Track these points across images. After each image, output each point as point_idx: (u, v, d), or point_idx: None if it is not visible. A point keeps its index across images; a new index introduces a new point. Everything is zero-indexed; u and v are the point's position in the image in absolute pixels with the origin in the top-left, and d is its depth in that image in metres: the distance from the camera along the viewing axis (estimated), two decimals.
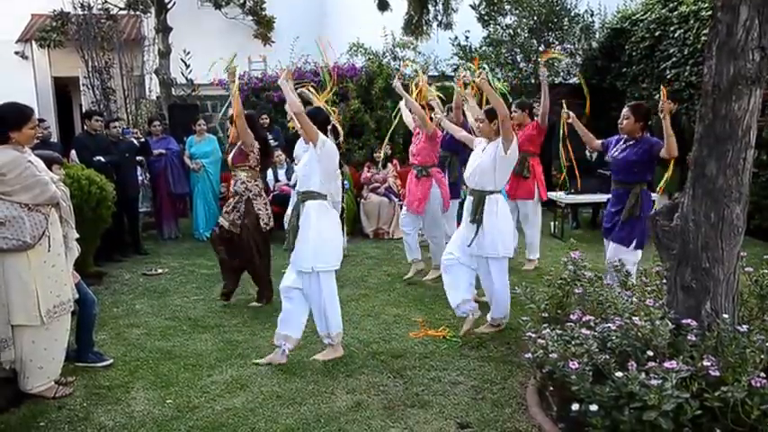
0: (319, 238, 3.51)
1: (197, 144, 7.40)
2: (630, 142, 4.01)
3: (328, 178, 3.60)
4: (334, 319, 3.64)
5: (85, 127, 6.40)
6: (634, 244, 3.99)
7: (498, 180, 3.93)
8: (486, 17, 9.63)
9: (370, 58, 9.30)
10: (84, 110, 8.76)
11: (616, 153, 4.07)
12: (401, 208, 7.23)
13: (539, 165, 5.67)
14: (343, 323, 4.29)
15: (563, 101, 4.65)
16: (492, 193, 3.92)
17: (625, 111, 4.04)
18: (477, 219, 3.89)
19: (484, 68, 4.46)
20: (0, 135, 3.02)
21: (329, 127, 3.71)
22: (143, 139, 6.92)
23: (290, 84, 3.85)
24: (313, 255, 3.49)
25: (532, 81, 9.55)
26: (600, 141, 4.35)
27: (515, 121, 5.34)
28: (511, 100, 5.41)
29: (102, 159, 6.00)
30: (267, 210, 4.57)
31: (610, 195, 4.24)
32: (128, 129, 7.18)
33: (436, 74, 9.47)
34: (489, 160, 3.87)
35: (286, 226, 3.71)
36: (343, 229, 6.78)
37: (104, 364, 3.62)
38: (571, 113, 4.54)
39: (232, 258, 4.69)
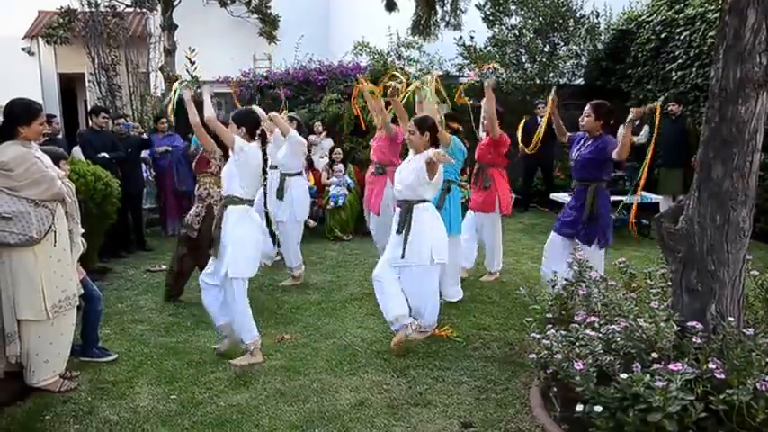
0: (238, 244, 3.47)
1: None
2: (590, 141, 4.06)
3: (250, 184, 3.55)
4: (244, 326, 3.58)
5: (90, 123, 6.42)
6: (596, 243, 4.04)
7: (425, 194, 3.75)
8: (491, 17, 9.61)
9: (374, 58, 9.29)
10: (89, 106, 8.79)
11: (576, 151, 4.12)
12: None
13: (503, 177, 5.19)
14: (347, 321, 4.34)
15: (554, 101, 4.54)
16: (419, 202, 3.75)
17: (586, 109, 4.06)
18: (405, 229, 3.74)
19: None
20: (9, 130, 3.04)
21: (258, 131, 3.61)
22: (144, 135, 6.97)
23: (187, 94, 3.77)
24: (230, 261, 3.45)
25: (537, 82, 9.54)
26: (568, 135, 4.35)
27: (485, 129, 5.02)
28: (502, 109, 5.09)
29: (107, 156, 6.02)
30: None
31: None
32: (128, 123, 7.20)
33: (440, 73, 9.47)
34: (414, 177, 3.70)
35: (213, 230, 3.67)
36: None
37: (109, 359, 3.64)
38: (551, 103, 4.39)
39: (194, 259, 4.68)
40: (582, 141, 4.13)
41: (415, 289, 3.81)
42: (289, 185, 5.18)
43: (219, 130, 3.49)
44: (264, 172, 3.83)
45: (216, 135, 3.71)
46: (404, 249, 3.72)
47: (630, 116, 3.77)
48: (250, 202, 3.58)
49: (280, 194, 5.15)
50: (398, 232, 3.78)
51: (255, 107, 4.88)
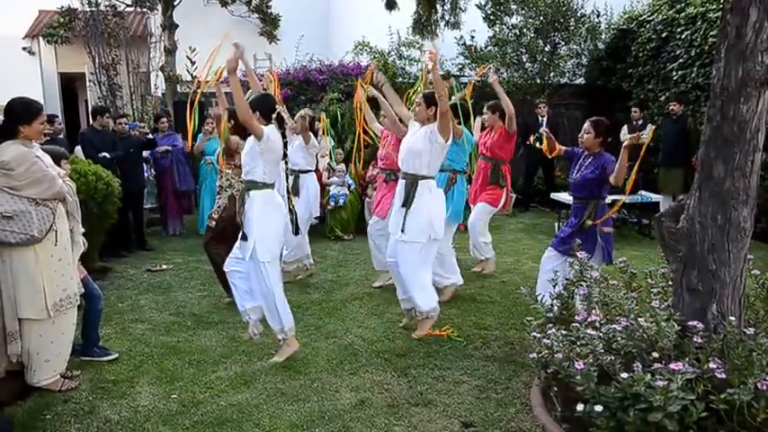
0: (265, 227, 3.55)
1: (205, 142, 7.41)
2: (589, 159, 3.99)
3: (273, 169, 3.64)
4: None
5: (93, 123, 6.42)
6: (596, 258, 3.84)
7: (432, 165, 3.90)
8: (491, 17, 9.61)
9: (375, 57, 9.29)
10: (90, 106, 8.79)
11: (577, 171, 4.04)
12: None
13: (509, 174, 5.39)
14: (347, 321, 4.34)
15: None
16: (425, 178, 3.89)
17: (586, 125, 4.02)
18: (408, 203, 3.85)
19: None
20: (10, 129, 3.05)
21: (274, 115, 3.70)
22: (150, 135, 6.97)
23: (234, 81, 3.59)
24: (257, 244, 3.51)
25: (538, 81, 9.54)
26: (564, 148, 4.27)
27: (487, 123, 5.29)
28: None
29: (108, 156, 6.02)
30: None
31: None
32: (134, 123, 7.21)
33: (441, 73, 9.45)
34: (421, 143, 3.84)
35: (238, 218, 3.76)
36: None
37: (109, 358, 3.64)
38: (545, 132, 4.42)
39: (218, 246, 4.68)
40: (581, 159, 4.06)
41: (407, 266, 3.90)
42: (304, 182, 5.37)
43: (250, 123, 3.49)
44: (285, 156, 3.85)
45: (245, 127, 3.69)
46: (404, 224, 3.84)
47: (626, 142, 3.72)
48: (272, 186, 3.65)
49: (294, 192, 5.24)
50: (403, 206, 3.88)
51: (307, 110, 5.35)
